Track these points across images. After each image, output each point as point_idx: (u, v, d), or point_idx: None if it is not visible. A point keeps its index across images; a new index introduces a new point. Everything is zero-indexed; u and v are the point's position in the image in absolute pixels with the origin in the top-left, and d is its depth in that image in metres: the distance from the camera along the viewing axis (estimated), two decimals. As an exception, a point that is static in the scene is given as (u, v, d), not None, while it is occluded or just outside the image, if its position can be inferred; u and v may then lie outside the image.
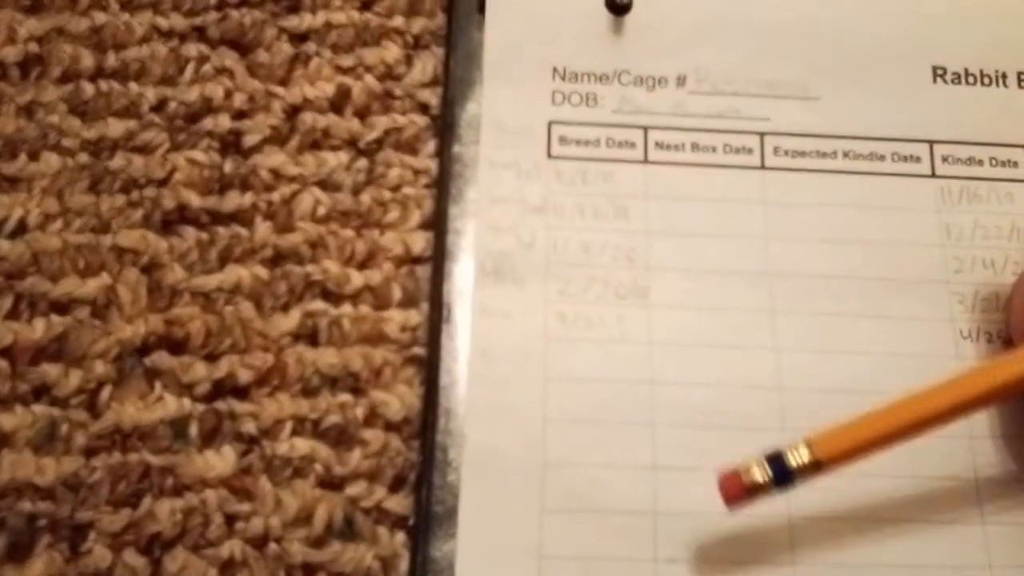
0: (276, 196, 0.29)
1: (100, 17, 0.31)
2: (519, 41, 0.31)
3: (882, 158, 0.31)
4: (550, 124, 0.30)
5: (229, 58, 0.31)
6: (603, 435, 0.27)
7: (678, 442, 0.27)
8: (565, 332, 0.28)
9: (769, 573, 0.26)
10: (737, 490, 0.24)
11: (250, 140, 0.30)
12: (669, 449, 0.27)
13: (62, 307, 0.27)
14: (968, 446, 0.28)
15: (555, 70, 0.31)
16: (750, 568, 0.26)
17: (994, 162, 0.31)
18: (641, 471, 0.27)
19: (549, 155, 0.30)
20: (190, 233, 0.28)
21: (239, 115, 0.30)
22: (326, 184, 0.29)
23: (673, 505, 0.26)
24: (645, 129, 0.31)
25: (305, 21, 0.31)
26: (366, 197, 0.29)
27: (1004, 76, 0.32)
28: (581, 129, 0.30)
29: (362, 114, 0.30)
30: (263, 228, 0.29)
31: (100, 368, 0.27)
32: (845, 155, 0.31)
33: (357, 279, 0.28)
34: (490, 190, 0.29)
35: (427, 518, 0.25)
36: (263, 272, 0.28)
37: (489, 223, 0.29)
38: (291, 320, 0.28)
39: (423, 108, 0.30)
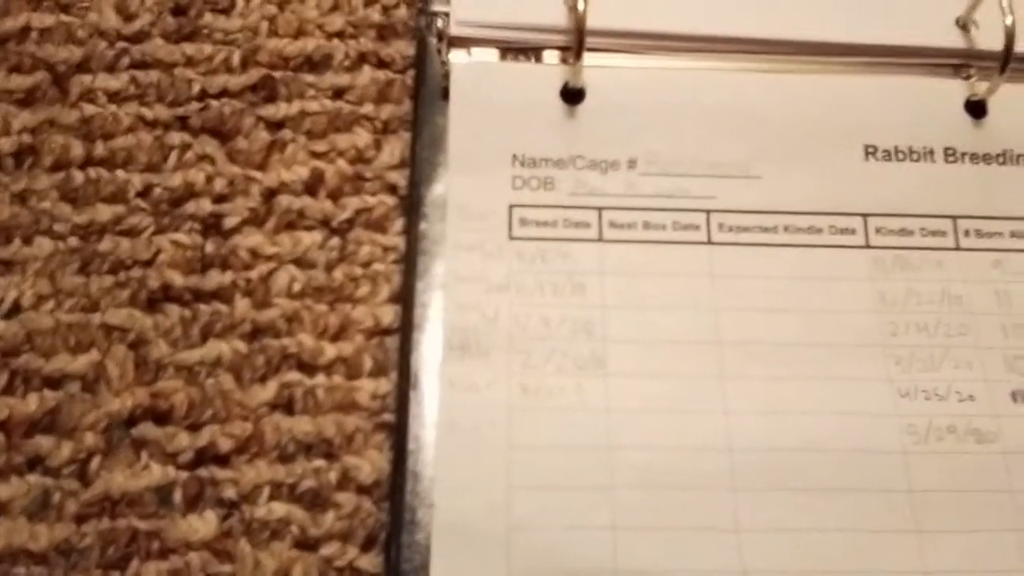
0: (254, 274, 0.32)
1: (89, 109, 0.34)
2: (480, 128, 0.34)
3: (819, 231, 0.34)
4: (511, 207, 0.33)
5: (210, 145, 0.34)
6: (564, 499, 0.30)
7: (635, 503, 0.30)
8: (527, 402, 0.31)
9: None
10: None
11: (230, 222, 0.33)
12: (627, 510, 0.30)
13: (54, 382, 0.30)
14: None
15: (515, 156, 0.34)
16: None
17: (924, 232, 0.34)
18: (601, 531, 0.29)
19: (510, 236, 0.33)
20: (174, 311, 0.31)
21: (219, 199, 0.33)
22: (301, 262, 0.32)
23: (632, 563, 0.29)
24: (599, 210, 0.34)
25: (281, 110, 0.35)
26: (338, 273, 0.32)
27: (931, 152, 0.35)
28: (540, 211, 0.33)
29: (335, 195, 0.33)
30: (242, 304, 0.32)
31: (90, 439, 0.29)
32: (785, 229, 0.34)
33: (330, 351, 0.31)
34: (456, 270, 0.32)
35: None
36: (242, 346, 0.31)
37: (455, 301, 0.32)
38: (268, 391, 0.30)
39: (391, 189, 0.34)
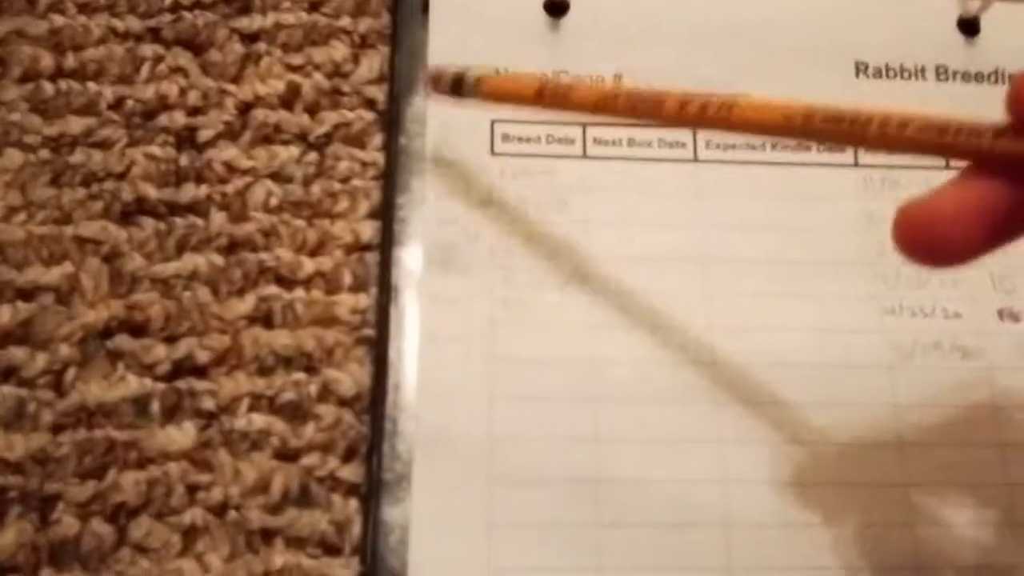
0: (230, 188, 0.33)
1: (58, 19, 0.34)
2: (461, 42, 0.35)
3: (808, 149, 0.35)
4: (493, 123, 0.34)
5: (183, 58, 0.34)
6: (547, 410, 0.31)
7: (618, 415, 0.31)
8: (509, 316, 0.32)
9: (701, 534, 0.30)
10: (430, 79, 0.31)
11: (204, 135, 0.33)
12: (610, 421, 0.31)
13: (27, 294, 0.31)
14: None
15: (497, 70, 0.35)
16: (686, 529, 0.30)
17: (913, 152, 0.35)
18: (583, 442, 0.30)
19: (492, 152, 0.34)
20: (148, 223, 0.32)
21: (193, 112, 0.34)
22: (278, 176, 0.33)
23: (614, 473, 0.30)
24: (583, 126, 0.34)
25: (256, 22, 0.35)
26: (316, 188, 0.33)
27: (923, 70, 0.36)
28: (522, 127, 0.34)
29: (311, 110, 0.34)
30: (218, 218, 0.32)
31: (65, 351, 0.30)
32: (773, 147, 0.35)
33: (309, 265, 0.32)
34: (436, 186, 0.33)
35: (378, 485, 0.29)
36: (219, 259, 0.32)
37: (436, 217, 0.33)
38: (246, 304, 0.31)
39: (370, 104, 0.34)
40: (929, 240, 0.23)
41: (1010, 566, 0.30)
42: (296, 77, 0.34)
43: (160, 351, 0.30)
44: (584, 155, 0.34)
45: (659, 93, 0.26)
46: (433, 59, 0.34)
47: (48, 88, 0.33)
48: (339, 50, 0.35)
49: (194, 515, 0.29)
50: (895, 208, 0.34)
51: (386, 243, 0.32)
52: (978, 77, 0.36)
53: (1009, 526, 0.30)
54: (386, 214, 0.33)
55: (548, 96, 0.28)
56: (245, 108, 0.34)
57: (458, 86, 0.30)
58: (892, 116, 0.22)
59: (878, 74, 0.36)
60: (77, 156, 0.33)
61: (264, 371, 0.31)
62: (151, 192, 0.32)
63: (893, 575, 0.30)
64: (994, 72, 0.37)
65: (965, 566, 0.30)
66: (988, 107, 0.35)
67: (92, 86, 0.34)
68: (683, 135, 0.35)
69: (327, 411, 0.30)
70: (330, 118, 0.34)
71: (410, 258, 0.32)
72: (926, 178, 0.34)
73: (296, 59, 0.35)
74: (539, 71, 0.34)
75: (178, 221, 0.32)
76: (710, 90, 0.34)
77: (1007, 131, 0.21)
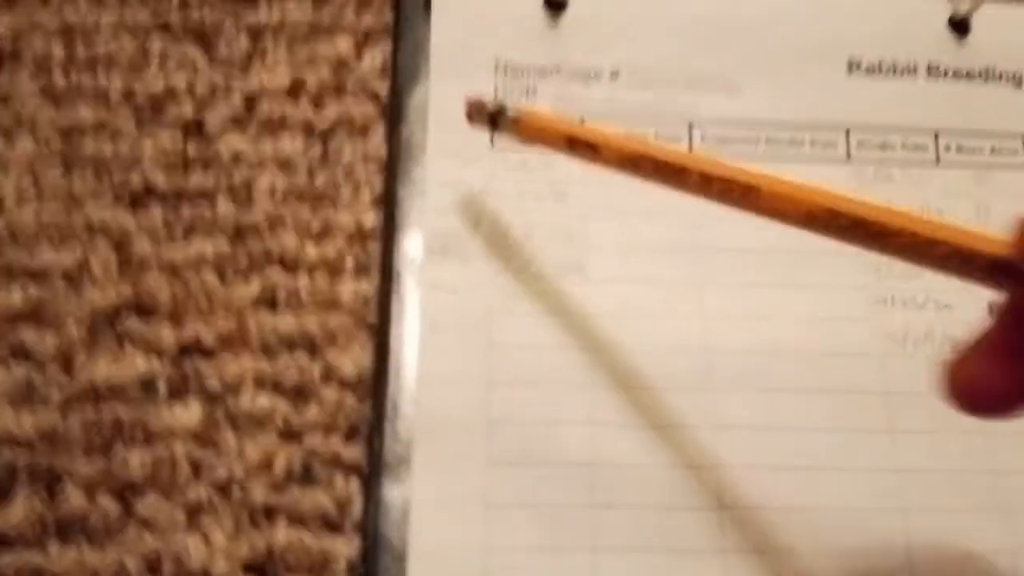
0: (237, 176, 0.33)
1: (70, 13, 0.35)
2: (463, 37, 0.35)
3: (801, 144, 0.35)
4: (492, 116, 0.35)
5: (192, 51, 0.35)
6: (544, 395, 0.31)
7: (613, 401, 0.31)
8: (508, 305, 0.32)
9: (694, 517, 0.30)
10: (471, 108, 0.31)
11: (212, 126, 0.34)
12: (604, 406, 0.31)
13: (39, 277, 0.31)
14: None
15: (497, 65, 0.35)
16: (680, 511, 0.30)
17: (905, 146, 0.35)
18: (579, 427, 0.31)
19: (492, 144, 0.34)
20: (157, 210, 0.32)
21: (201, 103, 0.34)
22: (283, 166, 0.33)
23: (608, 456, 0.30)
24: (582, 119, 0.35)
25: (262, 16, 0.35)
26: (320, 177, 0.33)
27: (914, 67, 0.37)
28: (522, 120, 0.35)
29: (316, 102, 0.34)
30: (225, 205, 0.33)
31: (75, 331, 0.30)
32: (767, 142, 0.35)
33: (313, 252, 0.32)
34: (437, 176, 0.33)
35: (379, 465, 0.29)
36: (225, 245, 0.32)
37: (436, 206, 0.33)
38: (252, 288, 0.32)
39: (373, 96, 0.35)
40: (982, 406, 0.23)
41: (995, 551, 0.30)
42: (301, 70, 0.35)
43: (167, 333, 0.31)
44: (582, 148, 0.34)
45: (682, 162, 0.25)
46: (435, 53, 0.35)
47: (60, 79, 0.34)
48: (343, 44, 0.35)
49: (199, 492, 0.29)
50: (886, 201, 0.35)
51: (388, 231, 0.33)
52: (968, 75, 0.37)
53: (998, 511, 0.30)
54: (388, 203, 0.33)
55: (578, 146, 0.28)
56: (251, 100, 0.34)
57: (495, 120, 0.31)
58: (920, 235, 0.21)
59: (870, 71, 0.37)
60: (88, 145, 0.33)
61: (268, 353, 0.31)
62: (160, 179, 0.33)
63: (884, 559, 0.30)
64: (984, 70, 0.37)
65: (955, 550, 0.30)
66: (976, 104, 0.36)
67: (103, 77, 0.34)
68: (679, 129, 0.35)
69: (330, 393, 0.31)
70: (334, 110, 0.34)
71: (411, 246, 0.32)
72: (919, 174, 0.35)
73: (301, 53, 0.35)
74: (542, 66, 0.35)
75: (186, 208, 0.33)
76: (706, 84, 0.36)
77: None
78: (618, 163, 0.27)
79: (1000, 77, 0.37)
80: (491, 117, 0.31)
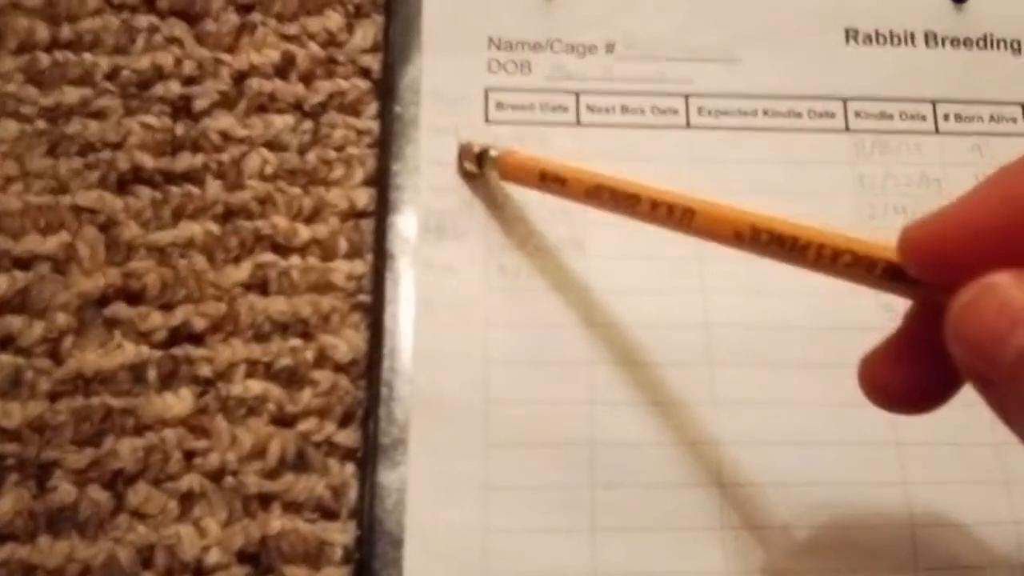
0: (226, 156, 0.32)
1: (53, -9, 0.33)
2: (455, 11, 0.34)
3: (799, 115, 0.34)
4: (487, 91, 0.33)
5: (178, 28, 0.33)
6: (542, 374, 0.30)
7: (613, 378, 0.30)
8: (505, 283, 0.31)
9: (694, 494, 0.29)
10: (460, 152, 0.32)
11: (200, 104, 0.32)
12: (604, 385, 0.30)
13: (24, 263, 0.30)
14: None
15: (490, 39, 0.34)
16: (680, 489, 0.29)
17: (904, 116, 0.34)
18: (578, 405, 0.30)
19: (487, 120, 0.33)
20: (144, 192, 0.31)
21: (189, 81, 0.32)
22: (273, 145, 0.32)
23: (608, 436, 0.29)
24: (577, 94, 0.33)
25: (250, -8, 0.34)
26: (312, 156, 0.32)
27: (912, 36, 0.35)
28: (516, 95, 0.33)
29: (306, 79, 0.33)
30: (214, 186, 0.31)
31: (62, 319, 0.29)
32: (765, 113, 0.34)
33: (304, 232, 0.31)
34: (431, 153, 0.32)
35: (374, 449, 0.28)
36: (214, 227, 0.31)
37: (431, 184, 0.32)
38: (242, 271, 0.30)
39: (365, 73, 0.33)
40: (886, 403, 0.24)
41: (996, 523, 0.29)
42: (291, 46, 0.33)
43: (157, 319, 0.30)
44: (578, 123, 0.33)
45: (636, 193, 0.27)
46: (427, 27, 0.34)
47: (44, 59, 0.32)
48: (333, 19, 0.34)
49: (191, 481, 0.28)
50: (885, 171, 0.34)
51: (381, 210, 0.31)
52: (967, 43, 0.36)
53: (1001, 485, 0.30)
54: (381, 181, 0.32)
55: (548, 181, 0.29)
56: (240, 77, 0.33)
57: (481, 160, 0.31)
58: (827, 246, 0.22)
59: (868, 41, 0.35)
60: (73, 126, 0.32)
61: (260, 337, 0.30)
62: (147, 161, 0.31)
63: (886, 533, 0.29)
64: (982, 38, 0.36)
65: (957, 523, 0.29)
66: (975, 72, 0.35)
67: (88, 57, 0.33)
68: (676, 102, 0.34)
69: (323, 377, 0.29)
70: (325, 87, 0.33)
71: (405, 225, 0.31)
72: (917, 143, 0.34)
73: (291, 28, 0.34)
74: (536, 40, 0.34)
75: (174, 190, 0.31)
76: (702, 56, 0.34)
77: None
78: (583, 196, 0.28)
79: (999, 45, 0.36)
80: (478, 157, 0.31)
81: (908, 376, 0.23)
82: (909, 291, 0.22)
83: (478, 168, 0.31)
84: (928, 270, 0.21)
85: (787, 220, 0.24)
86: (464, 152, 0.32)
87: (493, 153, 0.31)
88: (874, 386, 0.24)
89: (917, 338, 0.23)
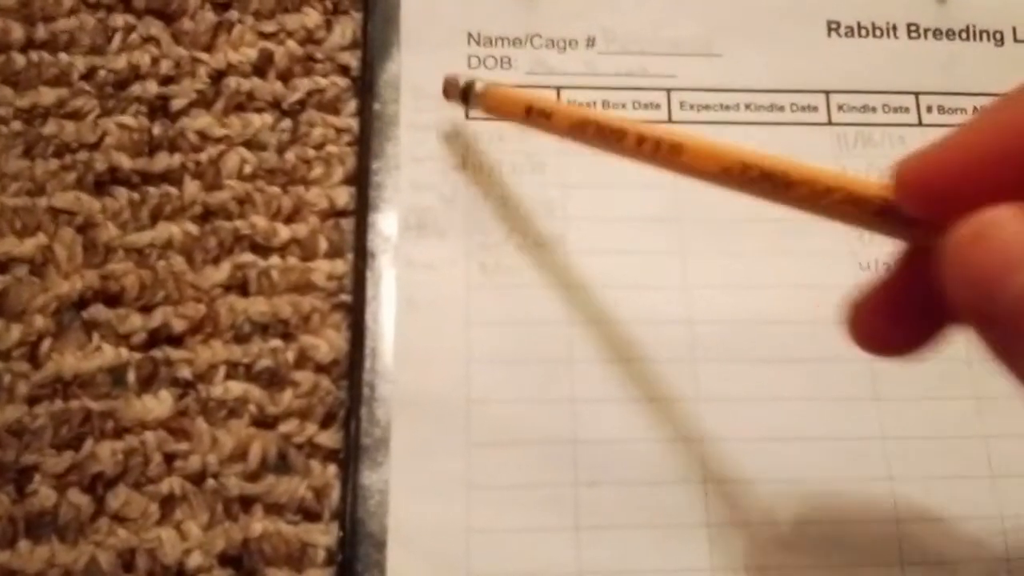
0: (204, 156, 0.31)
1: (28, -9, 0.33)
2: (434, 7, 0.33)
3: (782, 109, 0.33)
4: (467, 87, 0.33)
5: (155, 27, 0.32)
6: (524, 373, 0.29)
7: (595, 376, 0.29)
8: (486, 280, 0.30)
9: (679, 491, 0.29)
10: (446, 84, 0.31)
11: (177, 104, 0.31)
12: (586, 383, 0.29)
13: (1, 266, 0.29)
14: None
15: (470, 35, 0.33)
16: (664, 486, 0.29)
17: (887, 109, 0.34)
18: (561, 404, 0.29)
19: (467, 116, 0.32)
20: (122, 193, 0.30)
21: (166, 81, 0.32)
22: (252, 144, 0.31)
23: (591, 434, 0.29)
24: (558, 89, 0.33)
25: (227, -10, 0.33)
26: (291, 155, 0.31)
27: (894, 28, 0.35)
28: (497, 92, 0.33)
29: (285, 77, 0.32)
30: (192, 186, 0.31)
31: (40, 322, 0.29)
32: (747, 107, 0.33)
33: (284, 232, 0.30)
34: (411, 150, 0.31)
35: (356, 450, 0.28)
36: (193, 228, 0.30)
37: (411, 181, 0.31)
38: (222, 272, 0.30)
39: (343, 70, 0.33)
40: (870, 346, 0.23)
41: (983, 517, 0.29)
42: (269, 44, 0.33)
43: (135, 320, 0.29)
44: (559, 118, 0.33)
45: (622, 127, 0.25)
46: (406, 24, 0.33)
47: (19, 59, 0.32)
48: (312, 16, 0.33)
49: (172, 484, 0.28)
50: (868, 164, 0.34)
51: (361, 209, 0.31)
52: (949, 34, 0.35)
53: (987, 479, 0.29)
54: (361, 180, 0.31)
55: (533, 115, 0.28)
56: (218, 76, 0.32)
57: (466, 94, 0.30)
58: (819, 182, 0.22)
59: (850, 33, 0.35)
60: (50, 127, 0.31)
61: (240, 339, 0.29)
62: (124, 162, 0.31)
63: (872, 528, 0.29)
64: (965, 29, 0.35)
65: (943, 517, 0.29)
66: (958, 64, 0.35)
67: (64, 57, 0.32)
68: (658, 96, 0.33)
69: (304, 377, 0.29)
70: (303, 85, 0.32)
71: (386, 223, 0.30)
72: (900, 135, 0.34)
73: (268, 26, 0.33)
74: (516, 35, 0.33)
75: (152, 190, 0.31)
76: (683, 50, 0.34)
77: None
78: (567, 131, 0.27)
79: (981, 36, 0.35)
80: (463, 92, 0.30)
81: (895, 322, 0.22)
82: (902, 231, 0.21)
83: (463, 103, 0.31)
84: (923, 204, 0.20)
85: (778, 156, 0.23)
86: (449, 86, 0.31)
87: (479, 86, 0.30)
88: (861, 331, 0.23)
89: (906, 283, 0.22)
